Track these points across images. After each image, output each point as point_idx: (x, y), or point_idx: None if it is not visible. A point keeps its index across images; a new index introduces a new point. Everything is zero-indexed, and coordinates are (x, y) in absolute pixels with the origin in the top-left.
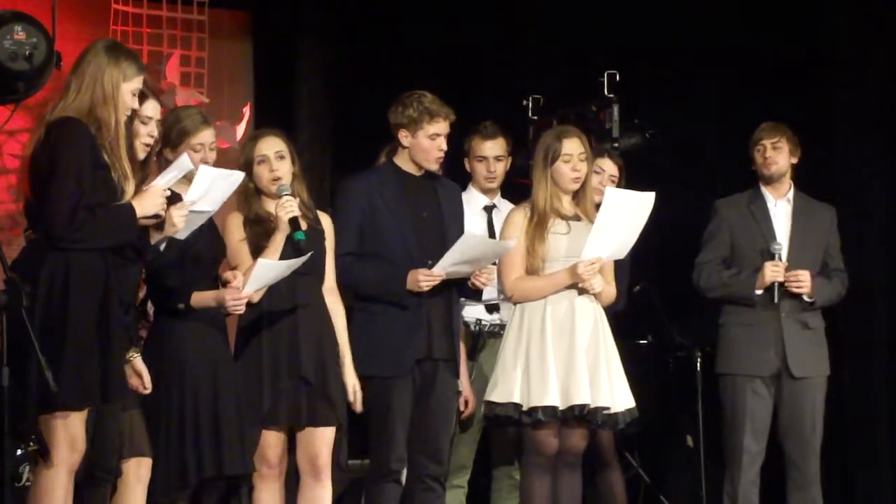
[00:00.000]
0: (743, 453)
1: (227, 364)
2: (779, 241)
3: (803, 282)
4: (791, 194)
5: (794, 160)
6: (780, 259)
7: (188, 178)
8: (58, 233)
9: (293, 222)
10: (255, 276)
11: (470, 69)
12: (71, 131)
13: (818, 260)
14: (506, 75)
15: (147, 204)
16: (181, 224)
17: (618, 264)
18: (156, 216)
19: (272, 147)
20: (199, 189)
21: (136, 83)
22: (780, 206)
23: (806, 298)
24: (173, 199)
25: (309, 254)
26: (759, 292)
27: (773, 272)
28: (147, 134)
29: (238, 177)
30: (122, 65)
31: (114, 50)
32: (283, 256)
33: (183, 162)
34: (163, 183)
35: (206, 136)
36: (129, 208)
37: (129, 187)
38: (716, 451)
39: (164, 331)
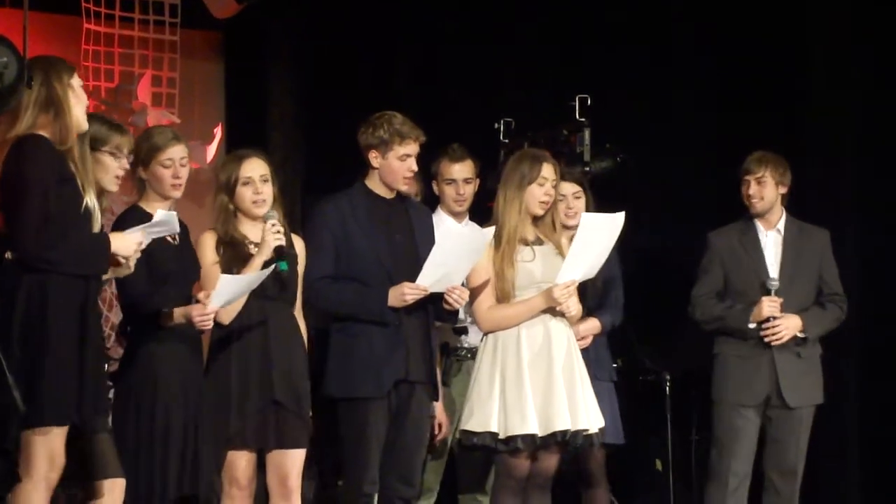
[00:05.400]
0: (730, 476)
1: (199, 384)
2: (772, 274)
3: (784, 331)
4: (782, 223)
5: (783, 190)
6: (777, 294)
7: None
8: (26, 250)
9: (278, 251)
10: (218, 292)
11: (441, 92)
12: (33, 147)
13: (811, 290)
14: (477, 98)
15: (122, 244)
16: (133, 268)
17: (612, 280)
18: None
19: (257, 170)
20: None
21: (76, 77)
22: (770, 237)
23: (798, 335)
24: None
25: (271, 268)
26: (752, 325)
27: (769, 308)
28: None
29: None
30: (60, 68)
31: (42, 62)
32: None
33: (171, 221)
34: (144, 235)
35: (176, 151)
36: (105, 239)
37: (91, 198)
38: (684, 475)
39: (137, 349)
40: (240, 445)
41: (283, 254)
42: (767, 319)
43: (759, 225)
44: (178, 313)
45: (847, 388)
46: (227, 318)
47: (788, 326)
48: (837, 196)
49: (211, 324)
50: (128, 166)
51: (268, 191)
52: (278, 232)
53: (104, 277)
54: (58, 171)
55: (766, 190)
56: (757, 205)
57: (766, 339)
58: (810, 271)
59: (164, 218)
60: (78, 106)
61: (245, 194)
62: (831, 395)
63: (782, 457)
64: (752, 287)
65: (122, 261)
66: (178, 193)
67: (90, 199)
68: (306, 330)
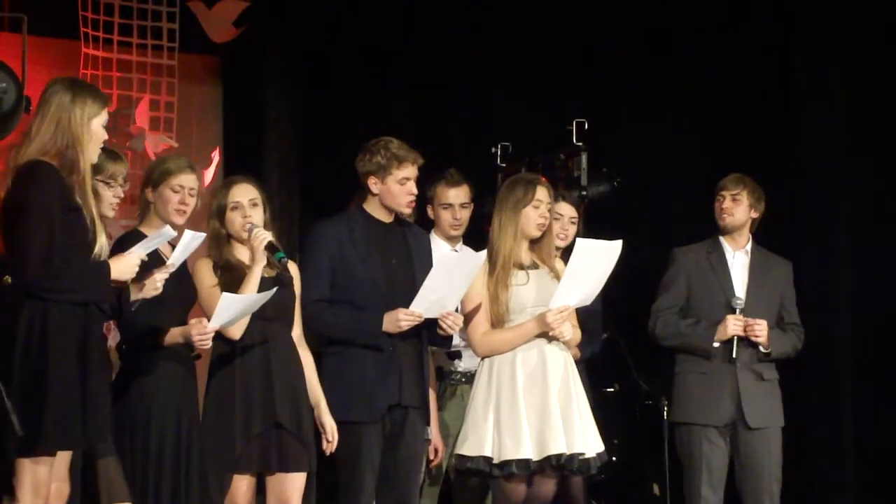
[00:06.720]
0: (700, 502)
1: (193, 407)
2: (738, 294)
3: (760, 332)
4: (749, 246)
5: (756, 214)
6: (741, 314)
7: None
8: (31, 279)
9: (270, 247)
10: (220, 311)
11: (438, 116)
12: (40, 174)
13: (774, 313)
14: (474, 122)
15: (123, 267)
16: (160, 288)
17: (591, 311)
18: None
19: (246, 194)
20: (180, 253)
21: (104, 116)
22: (737, 258)
23: (761, 349)
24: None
25: (273, 289)
26: (716, 345)
27: (734, 326)
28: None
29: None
30: (87, 102)
31: (74, 87)
32: (263, 290)
33: (166, 232)
34: (141, 251)
35: (188, 180)
36: (106, 267)
37: (99, 232)
38: (682, 500)
39: (132, 371)
40: (244, 469)
41: (275, 248)
42: (730, 340)
43: (727, 245)
44: (177, 332)
45: (843, 400)
46: (237, 332)
47: (764, 328)
48: (829, 218)
49: (210, 343)
50: (122, 194)
51: (258, 215)
52: (261, 234)
53: (131, 300)
54: (64, 199)
55: (739, 208)
56: (728, 220)
57: (746, 333)
58: (774, 296)
59: (160, 233)
60: (92, 142)
61: (235, 219)
62: (827, 408)
63: (756, 482)
64: (716, 305)
65: (123, 285)
66: (181, 220)
67: (100, 240)
68: (310, 354)
